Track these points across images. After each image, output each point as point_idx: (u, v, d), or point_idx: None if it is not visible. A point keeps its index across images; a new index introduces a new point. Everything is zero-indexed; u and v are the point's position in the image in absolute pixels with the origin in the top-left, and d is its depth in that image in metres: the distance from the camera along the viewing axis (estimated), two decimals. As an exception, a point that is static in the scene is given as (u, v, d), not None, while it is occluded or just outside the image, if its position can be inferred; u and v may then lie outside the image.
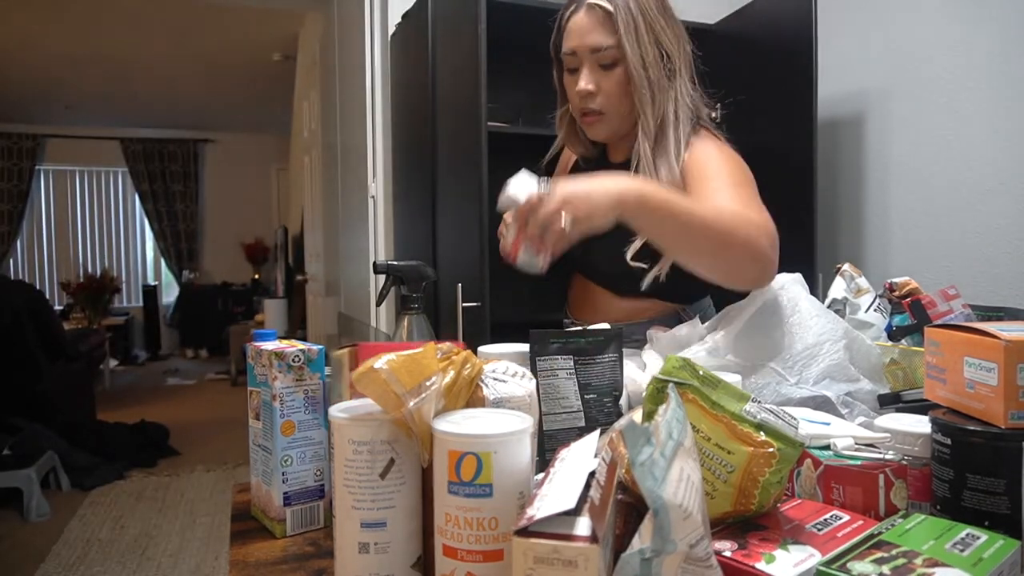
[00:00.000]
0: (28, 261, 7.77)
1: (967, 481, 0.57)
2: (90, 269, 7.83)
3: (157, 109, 7.14)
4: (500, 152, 1.57)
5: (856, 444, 0.64)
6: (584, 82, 1.13)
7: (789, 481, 0.64)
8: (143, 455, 4.08)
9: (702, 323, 1.02)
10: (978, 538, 0.50)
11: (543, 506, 0.46)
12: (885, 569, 0.45)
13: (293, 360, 0.75)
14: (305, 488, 0.76)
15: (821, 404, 0.81)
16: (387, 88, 2.32)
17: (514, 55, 1.74)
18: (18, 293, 3.92)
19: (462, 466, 0.50)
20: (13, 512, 3.24)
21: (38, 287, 6.35)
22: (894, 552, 0.47)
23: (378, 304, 1.00)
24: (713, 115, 1.23)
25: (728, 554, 0.49)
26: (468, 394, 0.60)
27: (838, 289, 1.08)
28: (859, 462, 0.60)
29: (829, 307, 1.02)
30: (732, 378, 0.76)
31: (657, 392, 0.56)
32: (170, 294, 8.32)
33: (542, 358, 0.84)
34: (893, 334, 0.99)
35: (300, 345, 0.77)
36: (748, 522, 0.55)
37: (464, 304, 1.49)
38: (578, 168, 1.30)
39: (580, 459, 0.54)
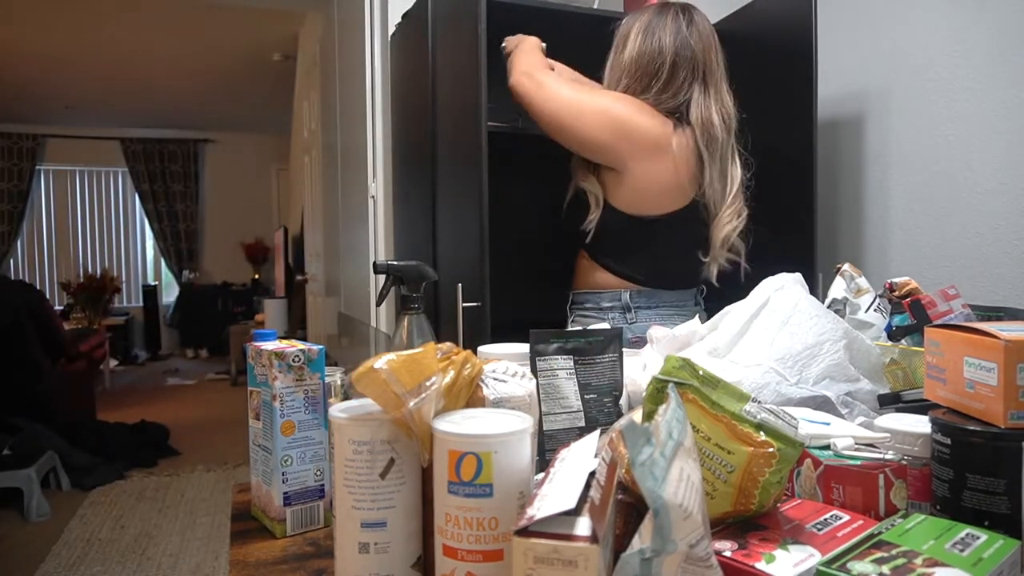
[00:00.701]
0: (28, 261, 7.78)
1: (967, 481, 0.57)
2: (90, 269, 7.83)
3: (157, 109, 7.14)
4: (500, 152, 1.57)
5: (856, 444, 0.64)
6: None
7: (789, 481, 0.64)
8: (143, 455, 4.08)
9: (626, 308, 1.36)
10: (978, 538, 0.50)
11: (543, 506, 0.46)
12: (885, 569, 0.45)
13: (293, 360, 0.75)
14: (305, 488, 0.76)
15: (821, 404, 0.81)
16: (387, 88, 2.32)
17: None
18: (18, 293, 3.92)
19: (462, 466, 0.50)
20: (13, 512, 3.24)
21: (38, 287, 6.34)
22: (894, 552, 0.47)
23: (378, 304, 1.00)
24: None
25: (728, 554, 0.49)
26: (468, 394, 0.60)
27: (838, 289, 1.08)
28: (859, 462, 0.60)
29: (829, 307, 1.02)
30: (732, 378, 0.76)
31: (657, 392, 0.56)
32: (170, 294, 8.32)
33: (542, 358, 0.84)
34: (893, 334, 0.99)
35: (300, 345, 0.77)
36: (748, 522, 0.55)
37: (464, 304, 1.49)
38: None
39: (580, 459, 0.54)
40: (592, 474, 0.49)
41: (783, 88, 1.65)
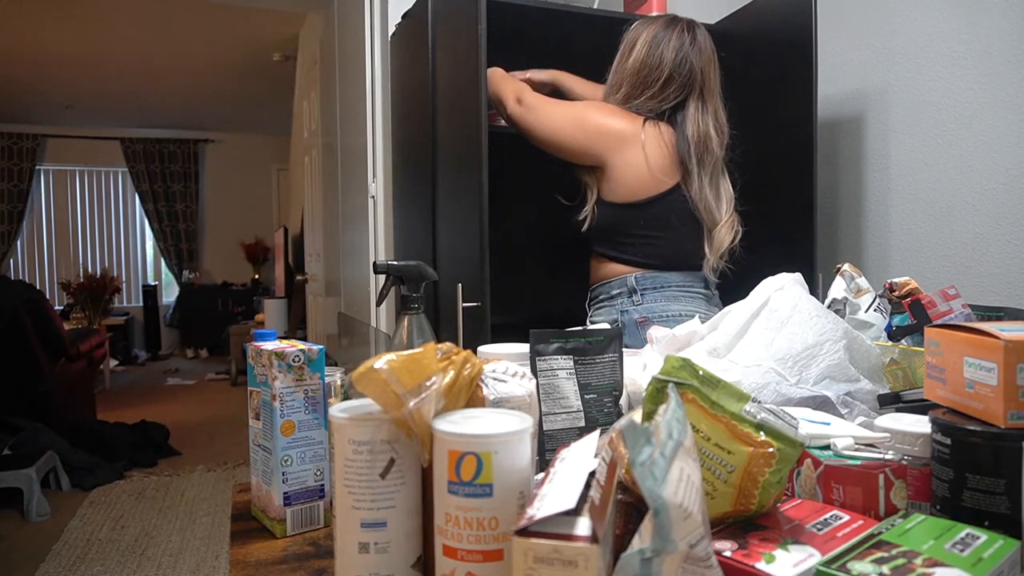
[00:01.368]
0: (28, 261, 7.78)
1: (967, 481, 0.57)
2: (90, 269, 7.83)
3: (157, 109, 7.14)
4: (500, 152, 1.57)
5: (856, 444, 0.64)
6: None
7: (789, 481, 0.64)
8: (143, 455, 4.08)
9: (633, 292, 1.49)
10: (978, 538, 0.50)
11: (543, 506, 0.46)
12: (885, 569, 0.45)
13: (293, 360, 0.75)
14: (305, 488, 0.76)
15: (821, 404, 0.81)
16: (387, 88, 2.32)
17: (514, 55, 1.74)
18: (18, 293, 3.92)
19: (462, 466, 0.50)
20: (13, 512, 3.24)
21: (38, 287, 6.35)
22: (894, 552, 0.47)
23: (378, 304, 1.00)
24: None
25: (728, 554, 0.49)
26: (468, 394, 0.60)
27: (838, 289, 1.08)
28: (859, 462, 0.60)
29: (829, 307, 1.02)
30: (732, 378, 0.76)
31: (657, 392, 0.56)
32: (170, 294, 8.32)
33: (542, 358, 0.84)
34: (893, 334, 0.99)
35: (300, 345, 0.77)
36: (748, 522, 0.55)
37: (464, 304, 1.49)
38: None
39: (580, 459, 0.54)
40: (592, 474, 0.49)
41: (783, 88, 1.65)
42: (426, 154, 1.82)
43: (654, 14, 1.80)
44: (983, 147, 1.44)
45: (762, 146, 1.68)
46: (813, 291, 1.01)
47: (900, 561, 0.46)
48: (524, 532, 0.44)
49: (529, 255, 2.13)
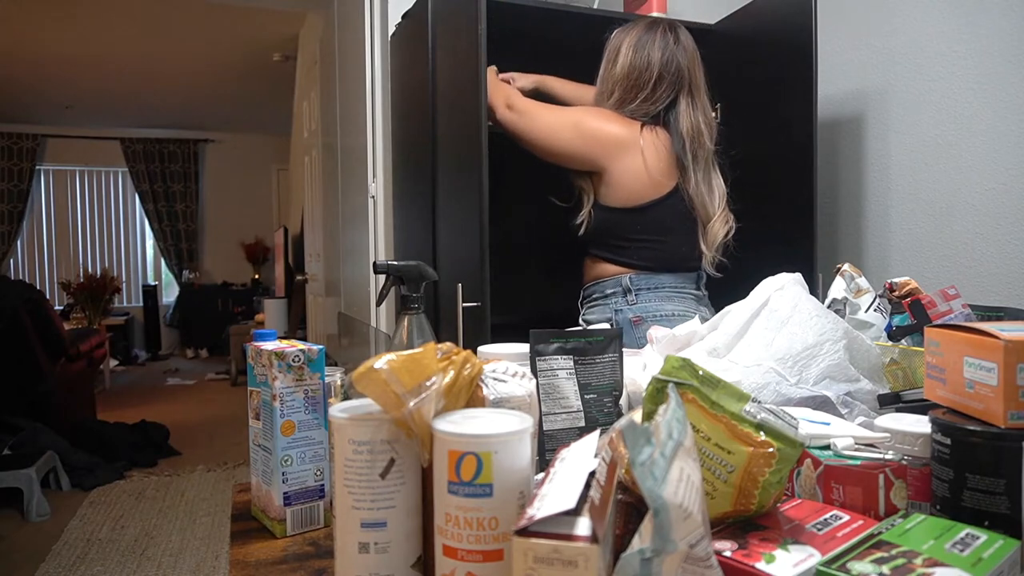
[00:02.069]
0: (28, 261, 7.78)
1: (967, 481, 0.57)
2: (90, 269, 7.83)
3: (157, 109, 7.14)
4: (500, 152, 1.57)
5: (856, 444, 0.64)
6: None
7: (789, 481, 0.64)
8: (143, 455, 4.08)
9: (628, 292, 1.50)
10: (978, 538, 0.50)
11: (543, 506, 0.46)
12: (885, 569, 0.45)
13: (293, 360, 0.75)
14: (305, 488, 0.76)
15: (821, 404, 0.81)
16: (387, 88, 2.32)
17: (514, 55, 1.74)
18: (18, 293, 3.92)
19: (462, 466, 0.50)
20: (13, 512, 3.24)
21: (38, 287, 6.34)
22: (894, 552, 0.47)
23: (378, 304, 1.00)
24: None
25: (728, 554, 0.49)
26: (468, 394, 0.60)
27: (838, 289, 1.08)
28: (859, 462, 0.60)
29: (829, 307, 1.02)
30: (732, 378, 0.76)
31: (657, 392, 0.56)
32: (170, 294, 8.32)
33: (542, 358, 0.84)
34: (893, 334, 0.99)
35: (300, 345, 0.77)
36: (748, 522, 0.55)
37: (464, 304, 1.49)
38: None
39: (580, 459, 0.54)
40: (592, 474, 0.49)
41: (783, 88, 1.65)
42: (426, 154, 1.82)
43: (653, 14, 1.80)
44: (983, 147, 1.44)
45: (762, 146, 1.68)
46: (813, 291, 1.01)
47: (900, 561, 0.46)
48: (524, 532, 0.44)
49: (529, 255, 2.13)
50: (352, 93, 2.79)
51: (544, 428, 0.82)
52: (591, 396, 0.85)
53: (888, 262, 1.65)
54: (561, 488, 0.48)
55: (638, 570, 0.40)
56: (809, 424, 0.68)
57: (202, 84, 6.25)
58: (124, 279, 8.13)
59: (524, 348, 0.86)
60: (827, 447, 0.64)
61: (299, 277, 4.91)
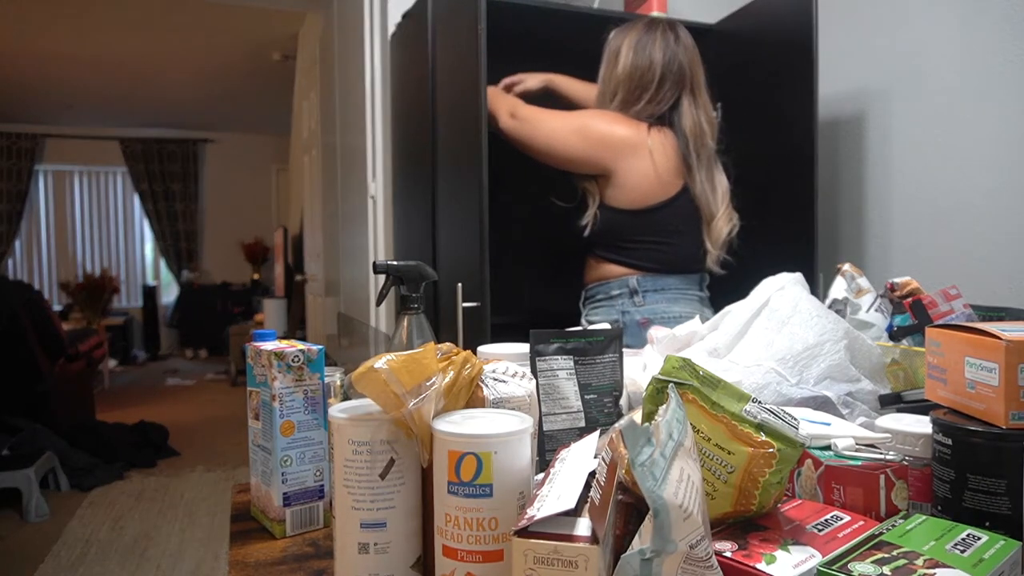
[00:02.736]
0: (27, 261, 7.77)
1: (968, 482, 0.57)
2: (89, 269, 7.83)
3: (157, 109, 7.14)
4: (500, 152, 1.57)
5: (857, 444, 0.64)
6: None
7: (789, 481, 0.64)
8: (142, 455, 4.08)
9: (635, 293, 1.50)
10: (979, 539, 0.50)
11: (543, 506, 0.46)
12: (886, 570, 0.45)
13: (293, 360, 0.75)
14: (305, 488, 0.76)
15: (822, 404, 0.80)
16: (387, 88, 2.32)
17: (514, 55, 1.74)
18: (17, 293, 3.92)
19: (462, 466, 0.50)
20: (12, 513, 3.24)
21: (37, 287, 6.35)
22: (895, 553, 0.47)
23: (378, 304, 1.00)
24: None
25: (728, 554, 0.49)
26: (468, 394, 0.60)
27: (839, 289, 1.08)
28: (860, 462, 0.60)
29: (830, 307, 1.02)
30: (732, 378, 0.76)
31: (657, 392, 0.56)
32: (170, 294, 8.32)
33: (542, 358, 0.84)
34: (894, 334, 0.99)
35: (300, 345, 0.77)
36: (748, 522, 0.55)
37: (464, 304, 1.49)
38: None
39: (580, 459, 0.54)
40: (592, 474, 0.49)
41: (783, 88, 1.65)
42: (426, 154, 1.82)
43: (653, 13, 1.80)
44: (984, 147, 1.44)
45: (763, 146, 1.68)
46: (814, 291, 1.01)
47: (901, 562, 0.46)
48: (524, 532, 0.44)
49: (529, 255, 2.13)
50: (352, 93, 2.79)
51: (544, 428, 0.82)
52: (591, 396, 0.85)
53: (889, 262, 1.65)
54: (561, 488, 0.48)
55: (638, 570, 0.40)
56: (810, 424, 0.68)
57: (202, 84, 6.25)
58: (123, 279, 8.13)
59: (524, 348, 0.86)
60: (828, 447, 0.64)
61: (299, 277, 4.91)
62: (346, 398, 0.83)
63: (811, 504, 0.59)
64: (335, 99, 3.27)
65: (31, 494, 3.21)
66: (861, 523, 0.55)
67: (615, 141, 1.49)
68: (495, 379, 0.62)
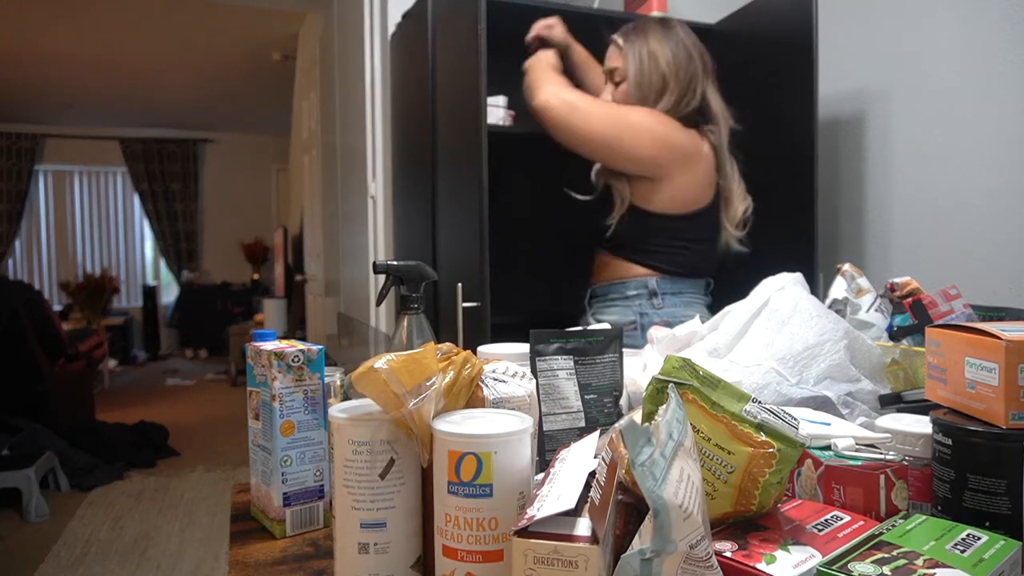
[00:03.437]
0: (27, 261, 7.77)
1: (968, 482, 0.57)
2: (89, 269, 7.83)
3: (157, 109, 7.14)
4: (500, 152, 1.57)
5: (857, 444, 0.64)
6: (605, 95, 1.58)
7: (789, 481, 0.64)
8: (142, 455, 4.08)
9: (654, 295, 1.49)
10: (979, 539, 0.50)
11: (543, 506, 0.46)
12: (886, 570, 0.45)
13: (293, 360, 0.75)
14: (305, 488, 0.76)
15: (822, 404, 0.80)
16: (387, 88, 2.32)
17: (514, 55, 1.74)
18: (17, 293, 3.92)
19: (462, 466, 0.50)
20: (12, 512, 3.24)
21: (37, 287, 6.35)
22: (895, 553, 0.47)
23: (378, 304, 1.00)
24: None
25: (728, 554, 0.49)
26: (468, 394, 0.60)
27: (839, 289, 1.08)
28: (860, 462, 0.60)
29: (830, 307, 1.02)
30: (732, 378, 0.76)
31: (657, 392, 0.56)
32: (170, 294, 8.32)
33: (542, 358, 0.84)
34: (894, 334, 0.99)
35: (300, 345, 0.77)
36: (748, 522, 0.55)
37: (464, 304, 1.49)
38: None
39: (580, 459, 0.54)
40: (592, 474, 0.49)
41: (783, 88, 1.65)
42: (426, 154, 1.82)
43: (655, 14, 1.80)
44: (984, 147, 1.44)
45: (763, 146, 1.68)
46: (814, 291, 1.01)
47: (901, 562, 0.46)
48: (524, 532, 0.44)
49: (529, 255, 2.13)
50: (352, 93, 2.79)
51: (544, 428, 0.82)
52: (591, 396, 0.85)
53: (889, 262, 1.64)
54: (561, 488, 0.48)
55: (638, 570, 0.39)
56: (810, 424, 0.68)
57: (202, 84, 6.25)
58: (123, 279, 8.13)
59: (524, 348, 0.86)
60: (828, 447, 0.64)
61: (299, 277, 4.91)
62: (346, 398, 0.83)
63: (811, 504, 0.59)
64: (335, 99, 3.27)
65: (31, 494, 3.21)
66: (861, 523, 0.55)
67: (678, 148, 1.47)
68: (495, 379, 0.62)
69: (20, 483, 3.20)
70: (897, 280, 1.06)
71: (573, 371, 0.84)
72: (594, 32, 1.63)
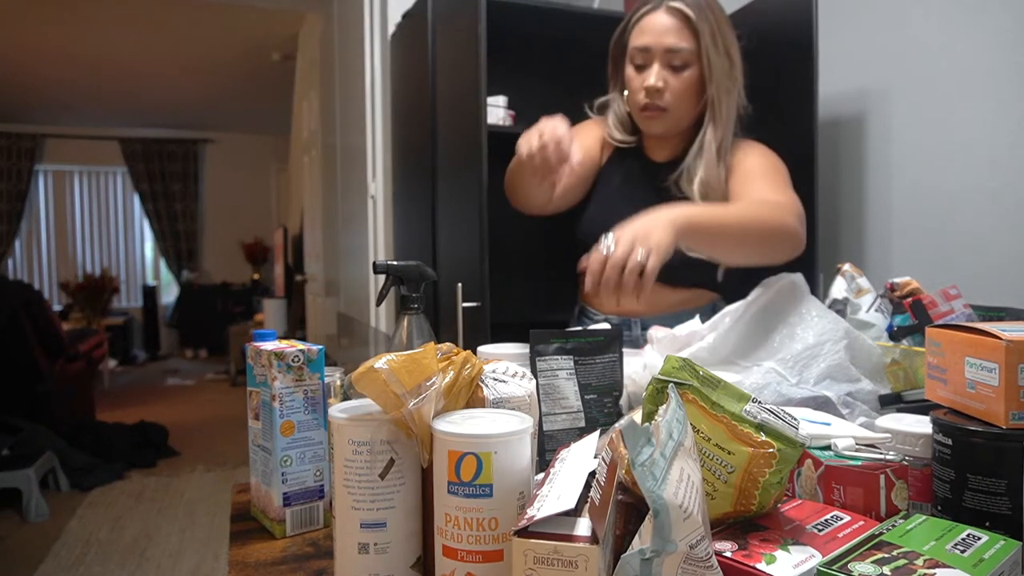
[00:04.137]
0: (27, 261, 7.77)
1: (968, 482, 0.56)
2: (89, 269, 7.83)
3: (157, 109, 7.14)
4: (500, 152, 1.57)
5: (857, 444, 0.64)
6: (655, 79, 1.24)
7: (790, 481, 0.64)
8: (142, 455, 4.08)
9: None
10: (979, 539, 0.50)
11: (543, 506, 0.46)
12: (886, 570, 0.45)
13: (293, 360, 0.75)
14: (305, 488, 0.76)
15: (822, 404, 0.80)
16: (387, 88, 2.32)
17: (514, 55, 1.74)
18: (16, 293, 3.92)
19: (462, 466, 0.50)
20: (12, 512, 3.24)
21: (37, 287, 6.35)
22: (895, 553, 0.47)
23: (378, 304, 1.00)
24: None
25: (728, 554, 0.49)
26: (468, 394, 0.60)
27: (839, 289, 1.08)
28: (860, 462, 0.60)
29: (830, 307, 1.02)
30: (732, 378, 0.76)
31: (657, 392, 0.56)
32: (170, 294, 8.32)
33: (542, 358, 0.84)
34: (894, 334, 0.99)
35: (300, 345, 0.77)
36: (748, 522, 0.55)
37: (464, 304, 1.49)
38: (613, 159, 1.41)
39: (580, 459, 0.54)
40: (592, 474, 0.49)
41: (783, 87, 1.65)
42: (426, 154, 1.82)
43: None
44: (984, 147, 1.44)
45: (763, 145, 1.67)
46: (814, 291, 1.01)
47: (901, 562, 0.46)
48: (524, 532, 0.44)
49: (529, 255, 2.13)
50: (352, 93, 2.79)
51: (544, 428, 0.82)
52: (591, 396, 0.85)
53: (889, 262, 1.64)
54: (561, 488, 0.48)
55: (638, 570, 0.39)
56: (810, 424, 0.68)
57: (202, 84, 6.25)
58: (123, 279, 8.13)
59: (524, 348, 0.86)
60: (828, 447, 0.64)
61: (299, 277, 4.91)
62: (346, 398, 0.83)
63: (811, 504, 0.59)
64: (335, 99, 3.27)
65: (31, 494, 3.21)
66: (861, 523, 0.55)
67: None
68: (495, 379, 0.62)
69: (20, 483, 3.20)
70: (897, 280, 1.06)
71: (573, 371, 0.84)
72: (594, 32, 1.63)
